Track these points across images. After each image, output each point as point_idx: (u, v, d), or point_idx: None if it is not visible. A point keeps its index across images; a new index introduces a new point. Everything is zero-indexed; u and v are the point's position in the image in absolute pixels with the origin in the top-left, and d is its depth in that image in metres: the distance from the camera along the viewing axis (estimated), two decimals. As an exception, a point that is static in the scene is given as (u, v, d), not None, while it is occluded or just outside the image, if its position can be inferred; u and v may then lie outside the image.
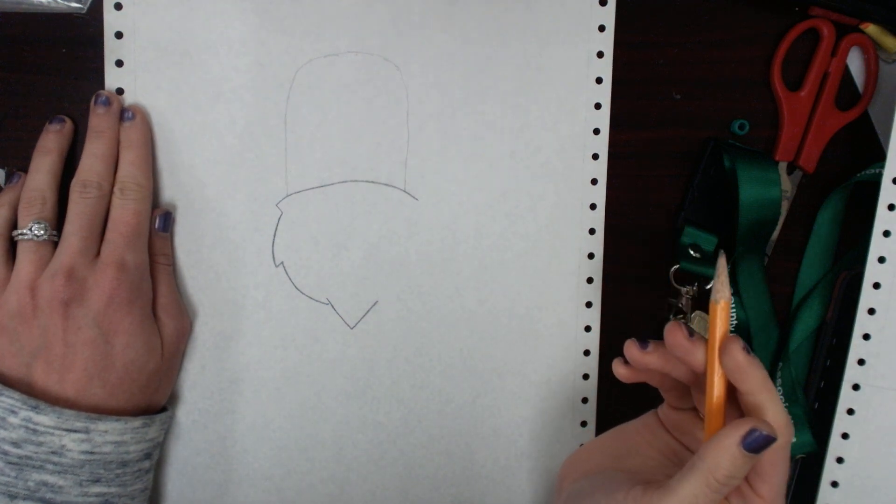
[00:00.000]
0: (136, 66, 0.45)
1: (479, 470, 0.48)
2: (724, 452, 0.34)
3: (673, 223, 0.49)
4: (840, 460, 0.46)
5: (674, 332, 0.37)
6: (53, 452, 0.39)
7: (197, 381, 0.46)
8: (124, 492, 0.41)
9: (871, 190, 0.45)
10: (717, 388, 0.36)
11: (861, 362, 0.46)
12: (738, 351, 0.35)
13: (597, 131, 0.47)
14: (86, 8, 0.44)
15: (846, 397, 0.46)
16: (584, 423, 0.49)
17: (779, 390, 0.49)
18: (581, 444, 0.48)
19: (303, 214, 0.46)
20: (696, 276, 0.49)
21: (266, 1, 0.45)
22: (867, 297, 0.45)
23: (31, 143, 0.44)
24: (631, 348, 0.39)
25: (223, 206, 0.46)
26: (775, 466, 0.35)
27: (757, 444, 0.34)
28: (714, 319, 0.37)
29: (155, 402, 0.44)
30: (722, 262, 0.37)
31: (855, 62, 0.49)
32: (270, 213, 0.46)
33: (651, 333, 0.50)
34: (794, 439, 0.37)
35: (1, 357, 0.41)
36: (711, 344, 0.36)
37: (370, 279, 0.47)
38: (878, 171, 0.46)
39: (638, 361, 0.39)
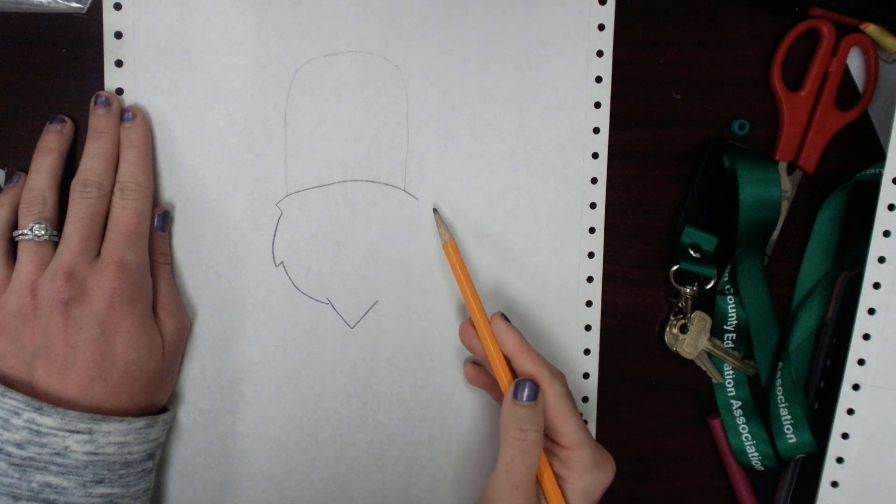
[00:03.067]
0: (135, 66, 0.45)
1: (480, 470, 0.48)
2: (505, 412, 0.40)
3: (673, 223, 0.49)
4: (840, 460, 0.46)
5: (463, 327, 0.45)
6: (57, 454, 0.39)
7: (197, 381, 0.46)
8: (128, 492, 0.41)
9: (871, 190, 0.45)
10: (491, 345, 0.42)
11: (861, 362, 0.46)
12: (495, 321, 0.42)
13: (596, 130, 0.47)
14: (86, 8, 0.44)
15: (846, 397, 0.46)
16: (584, 423, 0.49)
17: (779, 390, 0.49)
18: None
19: (303, 214, 0.46)
20: (696, 276, 0.49)
21: (266, 1, 0.45)
22: (867, 297, 0.45)
23: (31, 143, 0.44)
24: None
25: (223, 206, 0.46)
26: (560, 416, 0.40)
27: (523, 392, 0.40)
28: (452, 259, 0.44)
29: (156, 402, 0.44)
30: (437, 216, 0.45)
31: (855, 62, 0.49)
32: (270, 213, 0.46)
33: (651, 333, 0.50)
34: (562, 388, 0.41)
35: (2, 357, 0.41)
36: (461, 286, 0.44)
37: (370, 279, 0.47)
38: (878, 171, 0.46)
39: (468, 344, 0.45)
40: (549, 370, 0.41)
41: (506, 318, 0.43)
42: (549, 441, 0.41)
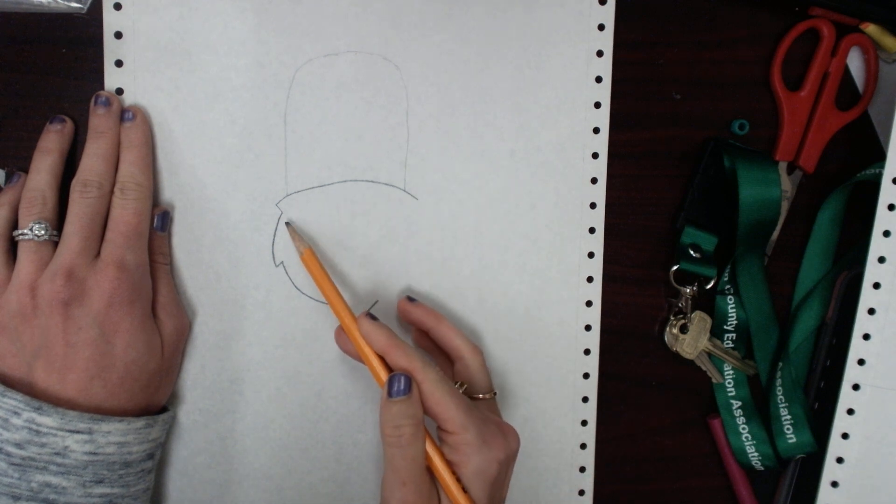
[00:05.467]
0: (135, 66, 0.45)
1: (479, 469, 0.48)
2: (381, 410, 0.40)
3: (673, 223, 0.49)
4: (840, 460, 0.46)
5: (337, 333, 0.44)
6: (57, 454, 0.39)
7: (197, 381, 0.46)
8: (127, 492, 0.41)
9: (871, 190, 0.45)
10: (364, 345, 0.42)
11: (861, 362, 0.46)
12: (361, 321, 0.42)
13: (596, 130, 0.47)
14: (86, 8, 0.44)
15: (846, 397, 0.46)
16: (584, 423, 0.49)
17: (779, 390, 0.49)
18: (581, 445, 0.49)
19: (303, 214, 0.46)
20: (696, 276, 0.49)
21: (266, 1, 0.45)
22: (867, 297, 0.45)
23: (31, 143, 0.43)
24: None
25: (223, 206, 0.46)
26: (439, 402, 0.39)
27: (393, 387, 0.40)
28: (311, 268, 0.44)
29: (156, 402, 0.44)
30: (288, 228, 0.45)
31: (855, 62, 0.49)
32: (270, 213, 0.46)
33: (651, 333, 0.50)
34: (435, 374, 0.40)
35: (2, 357, 0.41)
36: (325, 293, 0.43)
37: (370, 279, 0.47)
38: (878, 171, 0.46)
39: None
40: (420, 360, 0.40)
41: (372, 317, 0.42)
42: (438, 429, 0.41)
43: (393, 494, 0.39)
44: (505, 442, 0.40)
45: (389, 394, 0.40)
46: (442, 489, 0.39)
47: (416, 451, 0.39)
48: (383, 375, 0.41)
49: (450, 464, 0.40)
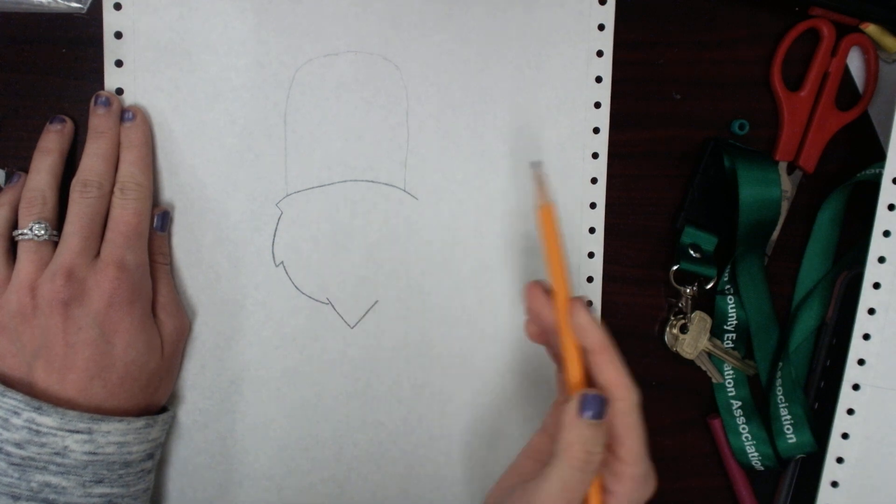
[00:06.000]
0: (135, 66, 0.45)
1: (480, 470, 0.48)
2: (570, 429, 0.35)
3: (673, 223, 0.49)
4: (840, 460, 0.46)
5: (531, 287, 0.39)
6: (56, 453, 0.39)
7: (197, 381, 0.46)
8: (127, 492, 0.41)
9: (871, 190, 0.45)
10: (566, 334, 0.37)
11: (861, 362, 0.46)
12: (579, 309, 0.37)
13: (596, 130, 0.47)
14: (86, 8, 0.44)
15: (846, 397, 0.46)
16: None
17: (779, 390, 0.49)
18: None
19: (303, 214, 0.46)
20: (696, 276, 0.49)
21: (266, 1, 0.45)
22: (867, 297, 0.45)
23: (31, 143, 0.44)
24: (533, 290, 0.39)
25: (223, 206, 0.46)
26: (628, 429, 0.36)
27: (591, 408, 0.35)
28: (549, 224, 0.38)
29: (156, 402, 0.44)
30: (537, 174, 0.39)
31: (855, 62, 0.49)
32: (270, 213, 0.46)
33: (651, 333, 0.50)
34: (637, 399, 0.37)
35: (2, 357, 0.41)
36: (552, 252, 0.38)
37: (370, 279, 0.47)
38: (878, 171, 0.46)
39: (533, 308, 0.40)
40: (627, 381, 0.37)
41: (589, 305, 0.38)
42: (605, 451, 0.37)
43: None
44: (655, 484, 0.38)
45: (581, 412, 0.36)
46: None
47: (593, 478, 0.36)
48: (577, 375, 0.37)
49: (603, 490, 0.37)
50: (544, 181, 0.39)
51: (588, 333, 0.37)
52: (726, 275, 0.49)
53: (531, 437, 0.42)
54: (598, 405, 0.36)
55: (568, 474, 0.36)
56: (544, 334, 0.41)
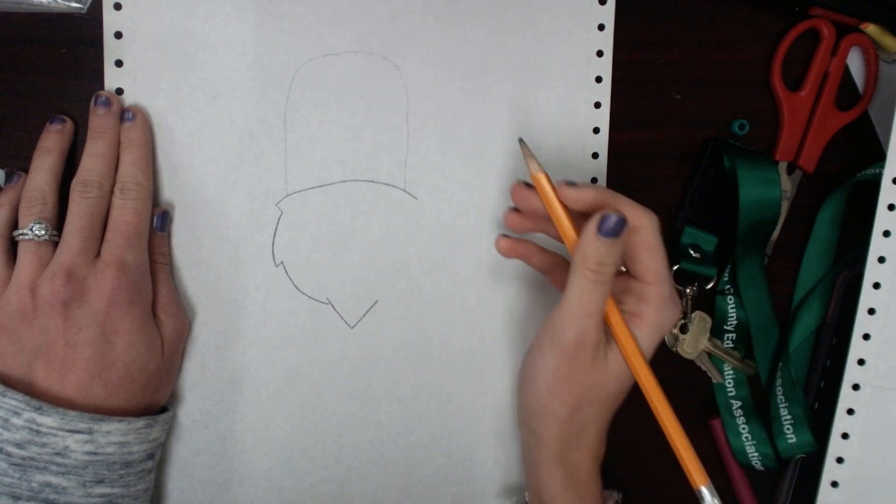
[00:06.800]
0: (135, 66, 0.45)
1: (480, 470, 0.48)
2: (587, 243, 0.38)
3: (673, 223, 0.49)
4: (840, 460, 0.46)
5: (516, 188, 0.42)
6: (57, 453, 0.39)
7: (197, 381, 0.46)
8: (127, 492, 0.41)
9: (871, 190, 0.45)
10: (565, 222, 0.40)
11: (861, 362, 0.46)
12: (565, 188, 0.40)
13: (596, 130, 0.47)
14: (86, 8, 0.44)
15: (846, 397, 0.46)
16: None
17: (779, 390, 0.49)
18: None
19: (303, 214, 0.46)
20: (696, 276, 0.49)
21: (266, 1, 0.45)
22: (867, 297, 0.45)
23: (31, 143, 0.44)
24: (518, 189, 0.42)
25: (223, 206, 0.46)
26: (650, 251, 0.39)
27: (609, 227, 0.38)
28: (543, 192, 0.41)
29: (156, 402, 0.44)
30: (525, 148, 0.42)
31: (855, 62, 0.49)
32: (270, 213, 0.46)
33: (651, 333, 0.50)
34: (656, 223, 0.40)
35: (2, 357, 0.41)
36: (554, 212, 0.41)
37: (370, 279, 0.47)
38: (878, 171, 0.46)
39: (522, 202, 0.42)
40: (641, 207, 0.40)
41: (572, 182, 0.40)
42: (626, 276, 0.41)
43: (574, 323, 0.39)
44: (679, 310, 0.41)
45: (600, 230, 0.38)
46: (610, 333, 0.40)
47: (607, 291, 0.39)
48: (571, 232, 0.40)
49: (626, 314, 0.40)
50: (531, 154, 0.42)
51: (583, 193, 0.40)
52: (726, 275, 0.49)
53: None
54: (614, 225, 0.38)
55: (585, 285, 0.39)
56: (516, 247, 0.43)
